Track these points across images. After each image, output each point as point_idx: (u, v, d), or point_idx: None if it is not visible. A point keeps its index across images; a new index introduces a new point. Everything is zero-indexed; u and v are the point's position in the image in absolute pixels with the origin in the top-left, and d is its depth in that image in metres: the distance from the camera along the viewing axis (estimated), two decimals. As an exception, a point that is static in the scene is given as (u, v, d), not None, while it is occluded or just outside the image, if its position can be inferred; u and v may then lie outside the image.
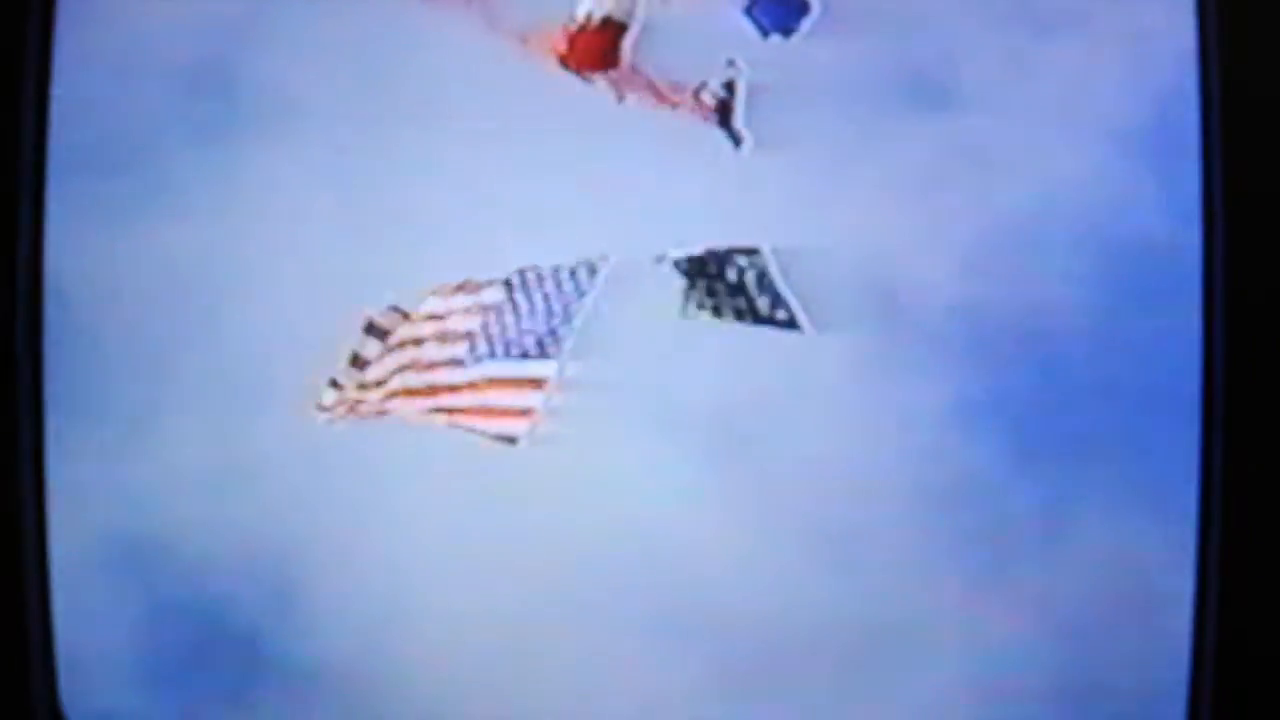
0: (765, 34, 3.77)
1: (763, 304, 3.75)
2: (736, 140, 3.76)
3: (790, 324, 3.73)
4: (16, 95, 3.66)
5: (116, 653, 3.71)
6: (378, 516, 3.74)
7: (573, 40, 3.79)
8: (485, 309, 3.78)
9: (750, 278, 3.75)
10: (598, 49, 3.80)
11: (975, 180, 3.68)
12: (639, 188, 3.74)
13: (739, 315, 3.75)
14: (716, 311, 3.75)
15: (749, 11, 3.78)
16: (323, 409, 3.75)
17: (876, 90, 3.71)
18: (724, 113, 3.77)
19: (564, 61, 3.79)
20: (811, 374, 3.68)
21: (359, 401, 3.77)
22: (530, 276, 3.77)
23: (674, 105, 3.78)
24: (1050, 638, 3.65)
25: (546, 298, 3.76)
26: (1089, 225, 3.67)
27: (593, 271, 3.74)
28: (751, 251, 3.75)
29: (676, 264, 3.76)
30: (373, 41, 3.79)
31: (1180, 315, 3.63)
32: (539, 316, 3.76)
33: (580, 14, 3.79)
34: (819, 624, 3.68)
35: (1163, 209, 3.65)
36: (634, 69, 3.80)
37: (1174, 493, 3.62)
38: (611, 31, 3.81)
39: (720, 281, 3.76)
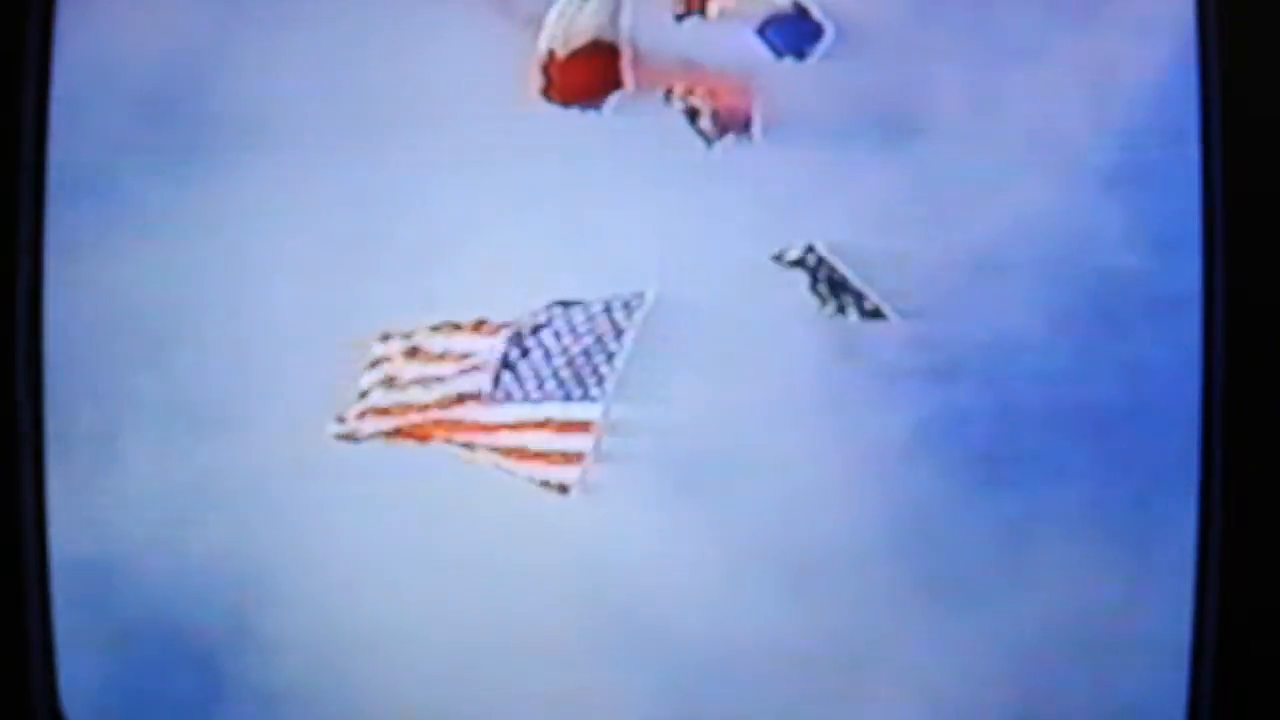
0: (779, 55, 3.70)
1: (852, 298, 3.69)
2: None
3: (877, 313, 3.66)
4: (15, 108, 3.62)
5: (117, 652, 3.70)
6: (338, 541, 3.69)
7: (552, 73, 3.68)
8: (513, 346, 3.71)
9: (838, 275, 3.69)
10: (588, 77, 3.70)
11: (938, 211, 3.64)
12: (633, 222, 3.69)
13: (843, 310, 3.69)
14: (840, 310, 3.68)
15: (761, 33, 3.71)
16: (340, 433, 3.70)
17: (845, 120, 3.67)
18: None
19: (548, 96, 3.67)
20: (775, 405, 3.65)
21: (363, 423, 3.71)
22: (560, 313, 3.71)
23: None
24: (1009, 666, 3.63)
25: (582, 336, 3.69)
26: (1052, 256, 3.64)
27: (629, 309, 3.67)
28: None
29: (802, 263, 3.67)
30: (359, 57, 3.72)
31: (1143, 344, 3.61)
32: (577, 356, 3.69)
33: (545, 45, 3.67)
34: (778, 652, 3.65)
35: (1127, 241, 3.62)
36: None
37: (1133, 519, 3.61)
38: (602, 57, 3.69)
39: (829, 281, 3.68)
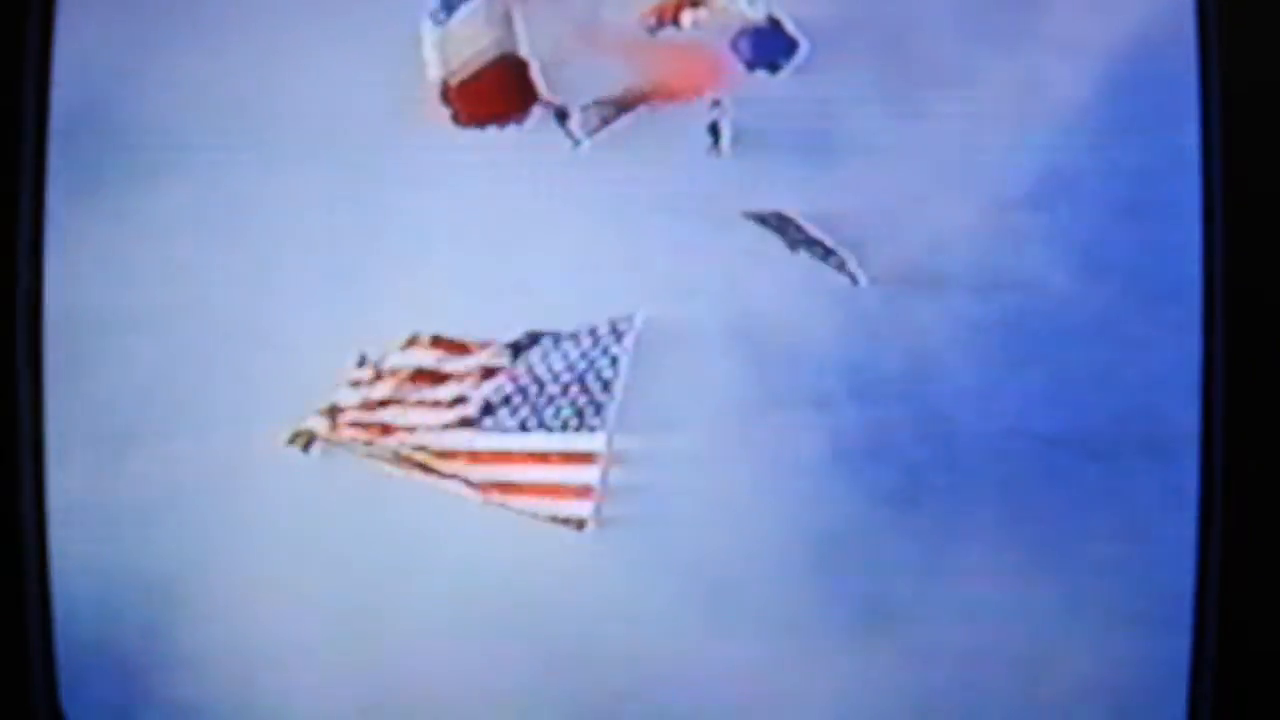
0: (751, 68, 3.68)
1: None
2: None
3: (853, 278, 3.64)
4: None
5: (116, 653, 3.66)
6: (258, 554, 3.66)
7: (454, 100, 3.64)
8: (504, 375, 3.65)
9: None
10: (496, 96, 3.65)
11: (860, 232, 3.64)
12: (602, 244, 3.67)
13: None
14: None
15: (734, 45, 3.69)
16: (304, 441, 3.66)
17: (765, 140, 3.67)
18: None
19: (458, 120, 3.64)
20: (691, 425, 3.63)
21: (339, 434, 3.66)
22: (549, 340, 3.65)
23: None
24: (931, 687, 3.62)
25: (575, 364, 3.64)
26: (977, 275, 3.64)
27: (618, 334, 3.62)
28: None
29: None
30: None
31: (1070, 366, 3.62)
32: (572, 385, 3.64)
33: (434, 75, 3.63)
34: (698, 674, 3.63)
35: (1051, 261, 3.62)
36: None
37: (1057, 538, 3.61)
38: (508, 72, 3.65)
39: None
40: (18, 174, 3.56)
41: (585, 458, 3.60)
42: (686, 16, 3.67)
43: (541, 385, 3.64)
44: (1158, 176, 3.59)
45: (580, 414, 3.62)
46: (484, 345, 3.64)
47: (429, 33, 3.63)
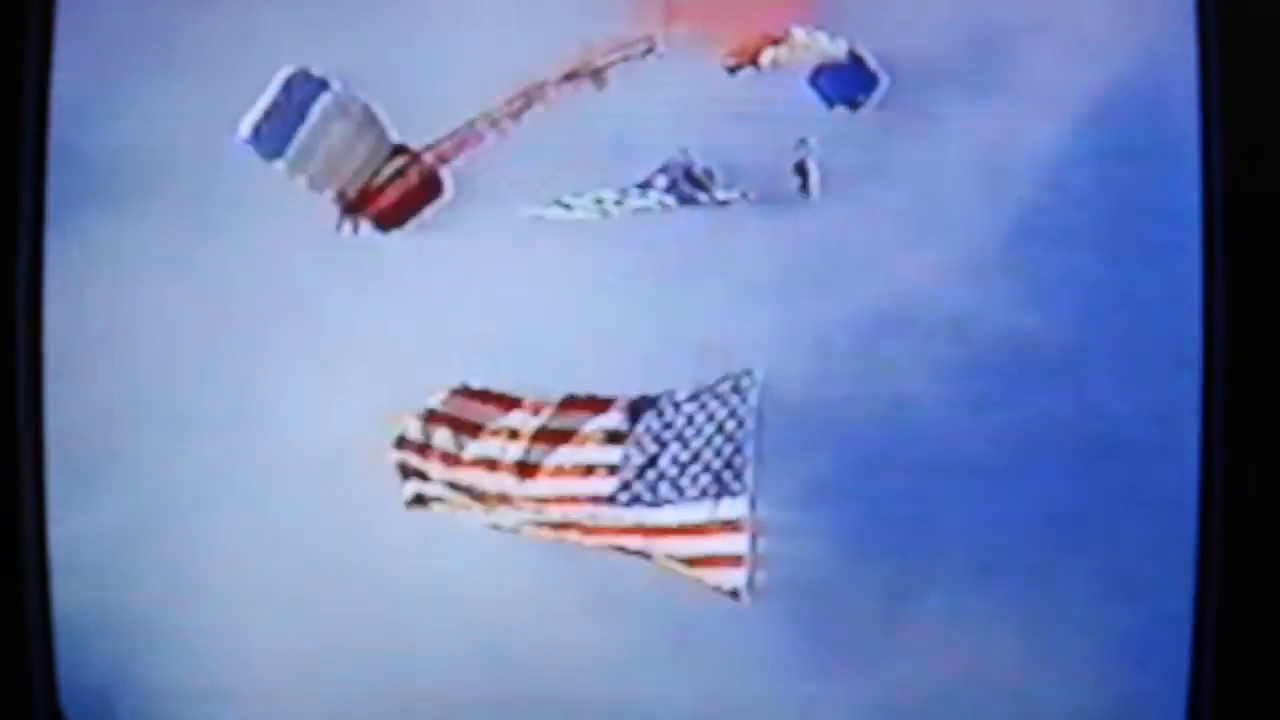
0: (831, 104, 3.68)
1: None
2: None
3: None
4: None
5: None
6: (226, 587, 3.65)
7: (364, 210, 3.67)
8: (626, 438, 3.62)
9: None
10: (401, 198, 3.66)
11: (825, 276, 3.64)
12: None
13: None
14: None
15: (814, 81, 3.68)
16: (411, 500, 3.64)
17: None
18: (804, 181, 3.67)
19: (380, 227, 3.67)
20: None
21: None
22: (666, 402, 3.62)
23: None
24: None
25: (700, 427, 3.61)
26: (940, 319, 3.64)
27: (740, 391, 3.60)
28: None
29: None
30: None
31: (1031, 404, 3.61)
32: (703, 449, 3.61)
33: (329, 192, 3.64)
34: (654, 712, 3.63)
35: (1015, 303, 3.62)
36: None
37: (1020, 580, 3.61)
38: (404, 164, 3.66)
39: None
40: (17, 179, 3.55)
41: (731, 526, 3.58)
42: (766, 55, 3.66)
43: (671, 451, 3.62)
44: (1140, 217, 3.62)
45: (719, 479, 3.60)
46: (596, 405, 3.63)
47: (284, 170, 3.62)
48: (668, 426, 3.60)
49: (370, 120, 3.62)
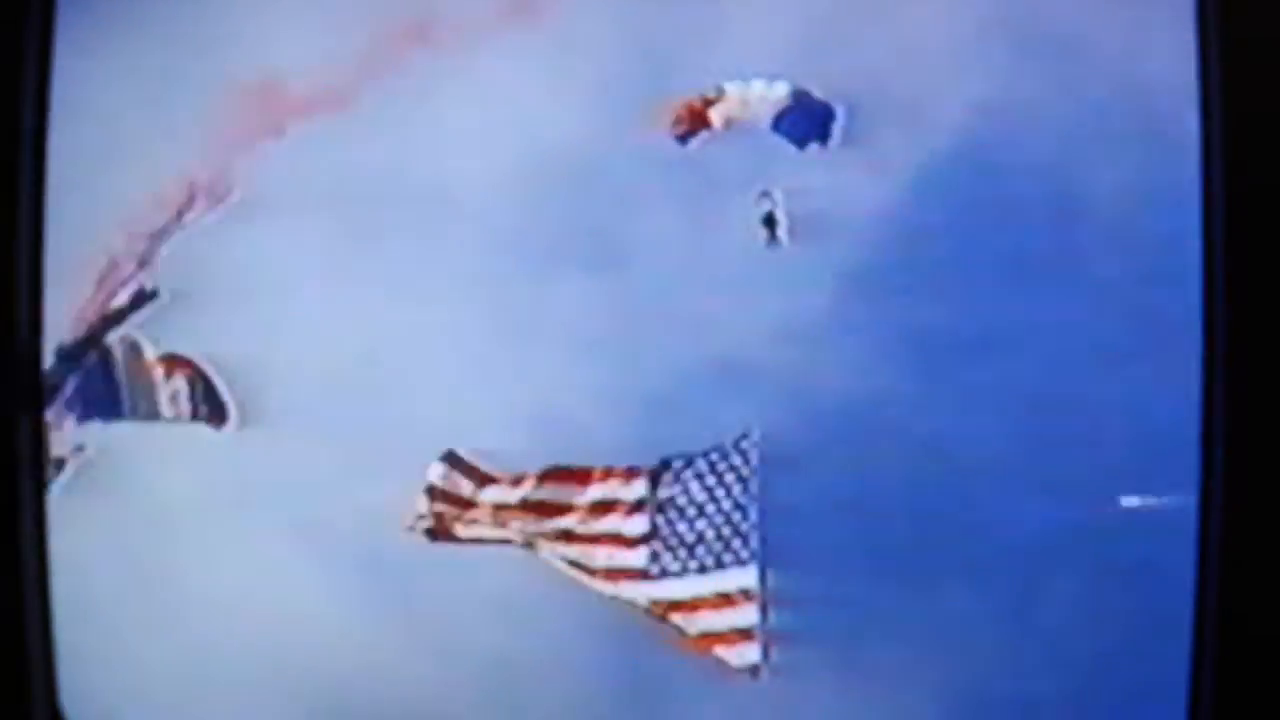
0: (801, 146, 3.62)
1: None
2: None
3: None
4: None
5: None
6: None
7: None
8: (645, 508, 3.57)
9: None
10: None
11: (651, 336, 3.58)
12: None
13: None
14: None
15: (777, 128, 3.62)
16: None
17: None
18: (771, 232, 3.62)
19: None
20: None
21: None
22: (680, 465, 3.57)
23: None
24: None
25: (713, 490, 3.55)
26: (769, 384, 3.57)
27: (744, 453, 3.53)
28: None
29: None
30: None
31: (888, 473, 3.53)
32: (715, 515, 3.55)
33: None
34: None
35: (859, 348, 3.55)
36: None
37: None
38: None
39: None
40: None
41: (742, 596, 3.52)
42: (715, 115, 3.60)
43: (686, 518, 3.57)
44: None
45: (727, 545, 3.54)
46: (617, 475, 3.57)
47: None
48: (680, 488, 3.56)
49: None
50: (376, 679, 3.57)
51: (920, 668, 3.49)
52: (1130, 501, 3.46)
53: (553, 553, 3.55)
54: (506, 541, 3.56)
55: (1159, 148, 3.47)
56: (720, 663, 3.53)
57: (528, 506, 3.54)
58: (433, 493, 3.55)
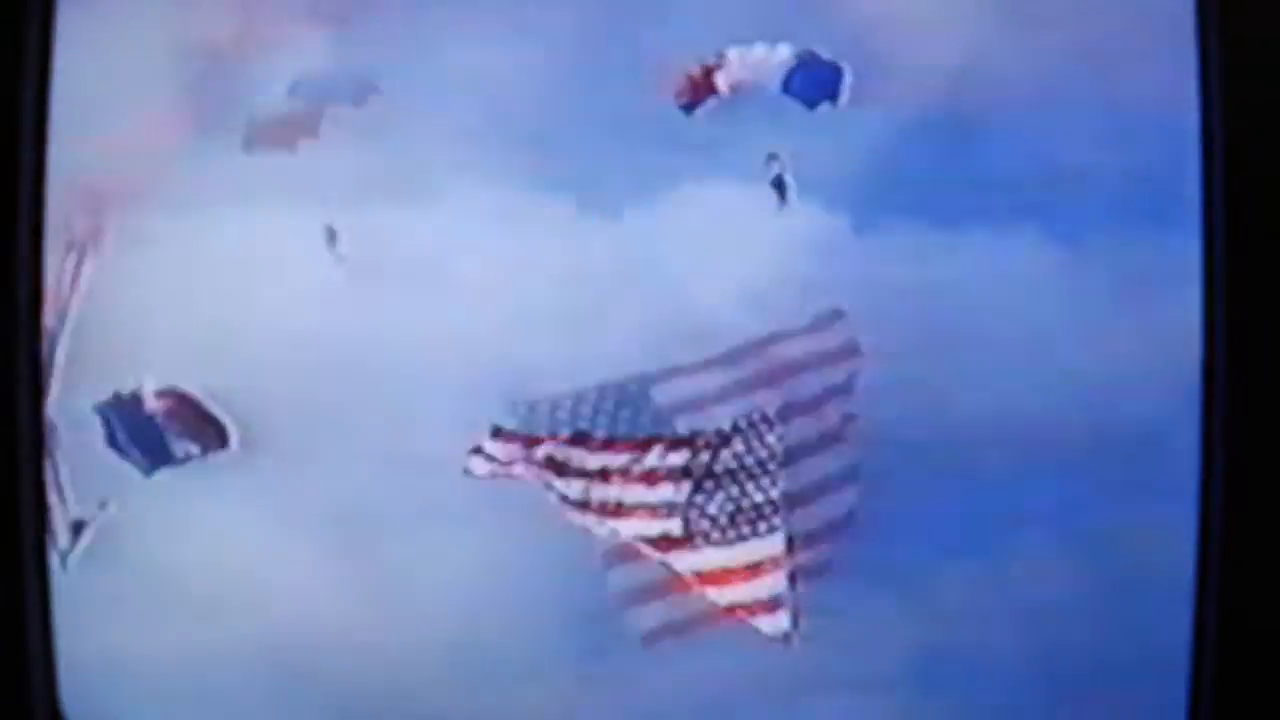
0: (812, 106, 3.60)
1: None
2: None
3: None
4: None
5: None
6: None
7: None
8: (687, 476, 3.54)
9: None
10: None
11: None
12: None
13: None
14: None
15: (786, 89, 3.60)
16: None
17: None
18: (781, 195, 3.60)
19: None
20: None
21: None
22: (711, 434, 3.55)
23: None
24: None
25: (739, 455, 3.54)
26: None
27: (770, 423, 3.53)
28: None
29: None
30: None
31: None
32: (746, 483, 3.54)
33: None
34: None
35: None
36: None
37: None
38: None
39: None
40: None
41: (772, 564, 3.50)
42: (720, 80, 3.58)
43: (720, 486, 3.55)
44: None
45: (758, 512, 3.52)
46: (644, 444, 3.55)
47: None
48: (711, 456, 3.54)
49: None
50: (392, 689, 3.58)
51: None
52: (1130, 503, 3.45)
53: (581, 519, 3.55)
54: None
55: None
56: (750, 631, 3.52)
57: (555, 466, 3.55)
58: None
